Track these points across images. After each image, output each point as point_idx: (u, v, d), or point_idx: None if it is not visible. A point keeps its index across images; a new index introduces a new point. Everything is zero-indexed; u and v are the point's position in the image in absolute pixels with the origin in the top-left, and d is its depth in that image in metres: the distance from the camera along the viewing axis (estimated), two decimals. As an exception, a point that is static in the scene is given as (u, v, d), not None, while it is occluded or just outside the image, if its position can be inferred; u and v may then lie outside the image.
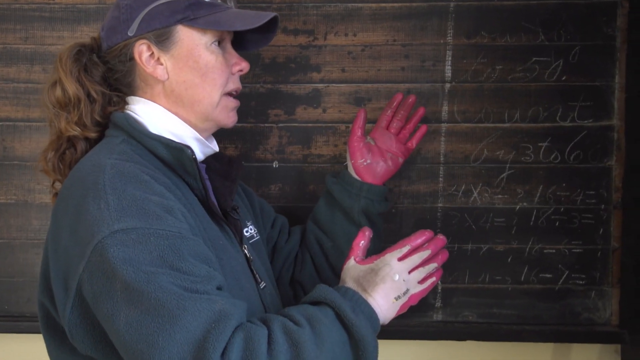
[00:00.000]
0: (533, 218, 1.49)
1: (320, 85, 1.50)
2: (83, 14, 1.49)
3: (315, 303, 1.02)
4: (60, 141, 1.11)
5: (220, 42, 1.12)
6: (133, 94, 1.12)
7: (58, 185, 1.13)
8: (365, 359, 0.97)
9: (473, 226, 1.51)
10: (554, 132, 1.48)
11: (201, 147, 1.13)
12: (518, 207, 1.49)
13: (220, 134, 1.22)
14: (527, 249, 1.50)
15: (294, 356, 0.90)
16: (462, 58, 1.48)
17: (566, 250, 1.49)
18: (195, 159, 1.06)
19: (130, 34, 1.07)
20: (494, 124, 1.48)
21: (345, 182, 1.33)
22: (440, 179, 1.51)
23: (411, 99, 1.38)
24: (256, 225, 1.30)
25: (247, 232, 1.24)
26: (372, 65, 1.49)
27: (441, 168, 1.50)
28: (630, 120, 1.46)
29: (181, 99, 1.09)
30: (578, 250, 1.49)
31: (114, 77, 1.12)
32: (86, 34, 1.48)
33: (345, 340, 0.96)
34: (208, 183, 1.17)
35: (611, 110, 1.47)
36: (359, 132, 1.33)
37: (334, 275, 1.33)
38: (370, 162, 1.33)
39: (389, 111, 1.38)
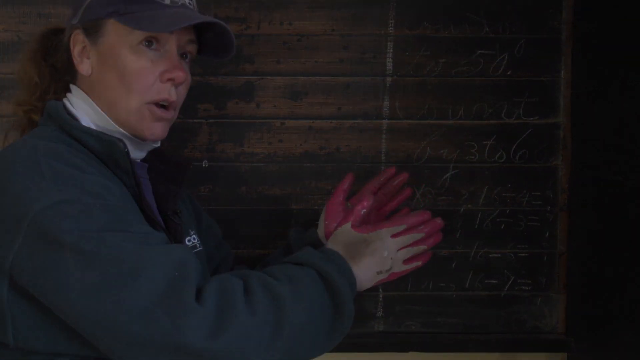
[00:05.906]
0: (478, 221, 1.47)
1: (253, 78, 1.44)
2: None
3: (298, 265, 1.01)
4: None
5: (158, 43, 1.03)
6: (75, 82, 1.09)
7: None
8: (341, 323, 0.98)
9: (416, 229, 1.45)
10: (500, 130, 1.46)
11: (135, 144, 1.07)
12: (462, 209, 1.47)
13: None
14: (472, 254, 1.47)
15: (273, 308, 0.90)
16: (404, 50, 1.44)
17: (512, 255, 1.47)
18: (127, 152, 1.01)
19: (73, 22, 1.05)
20: (437, 120, 1.46)
21: (310, 238, 1.25)
22: (382, 179, 1.45)
23: (402, 177, 1.27)
24: (200, 238, 1.23)
25: (189, 241, 1.19)
26: (309, 56, 1.44)
27: (382, 168, 1.45)
28: (576, 117, 1.45)
29: (99, 98, 1.04)
30: (524, 255, 1.48)
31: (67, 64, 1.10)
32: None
33: (325, 302, 0.97)
34: (146, 182, 1.12)
35: (557, 107, 1.46)
36: (341, 197, 1.23)
37: None
38: None
39: (377, 184, 1.27)
